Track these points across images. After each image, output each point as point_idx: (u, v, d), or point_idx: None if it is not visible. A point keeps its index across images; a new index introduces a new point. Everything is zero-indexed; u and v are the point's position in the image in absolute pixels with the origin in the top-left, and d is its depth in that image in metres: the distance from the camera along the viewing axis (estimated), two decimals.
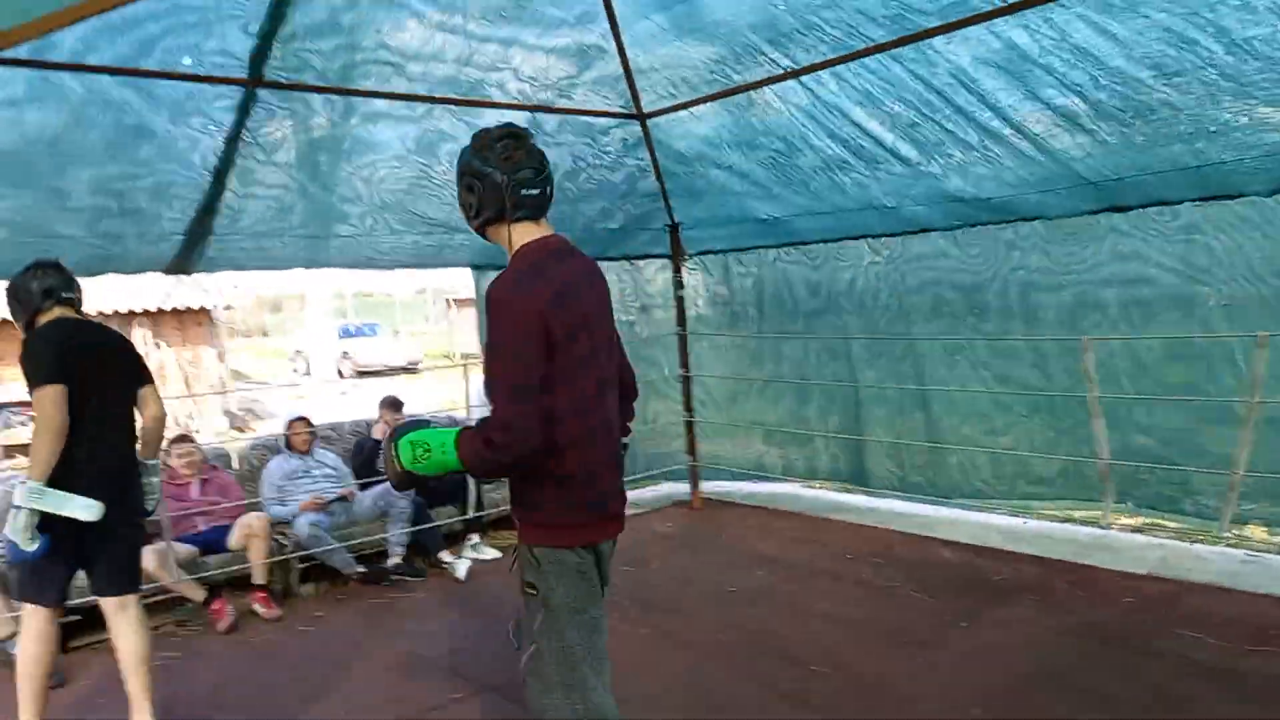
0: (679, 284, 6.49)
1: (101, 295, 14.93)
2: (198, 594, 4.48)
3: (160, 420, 3.35)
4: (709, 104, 4.71)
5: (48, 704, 3.20)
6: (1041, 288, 4.98)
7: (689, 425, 6.61)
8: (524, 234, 2.15)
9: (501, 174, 2.09)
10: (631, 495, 7.49)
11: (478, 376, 6.62)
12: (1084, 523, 5.15)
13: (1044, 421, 5.13)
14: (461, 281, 25.50)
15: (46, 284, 3.15)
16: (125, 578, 3.23)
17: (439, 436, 2.09)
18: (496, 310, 2.03)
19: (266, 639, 4.34)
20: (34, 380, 2.95)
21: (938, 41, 3.75)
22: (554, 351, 2.03)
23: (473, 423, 2.13)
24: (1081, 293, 4.82)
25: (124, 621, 3.21)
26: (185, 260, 4.98)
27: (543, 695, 2.15)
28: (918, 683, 3.47)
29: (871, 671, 3.58)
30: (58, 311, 3.17)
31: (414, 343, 24.41)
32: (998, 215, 4.89)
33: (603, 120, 5.00)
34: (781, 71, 4.28)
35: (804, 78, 4.25)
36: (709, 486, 6.77)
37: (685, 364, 6.57)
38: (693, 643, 3.97)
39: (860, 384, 6.10)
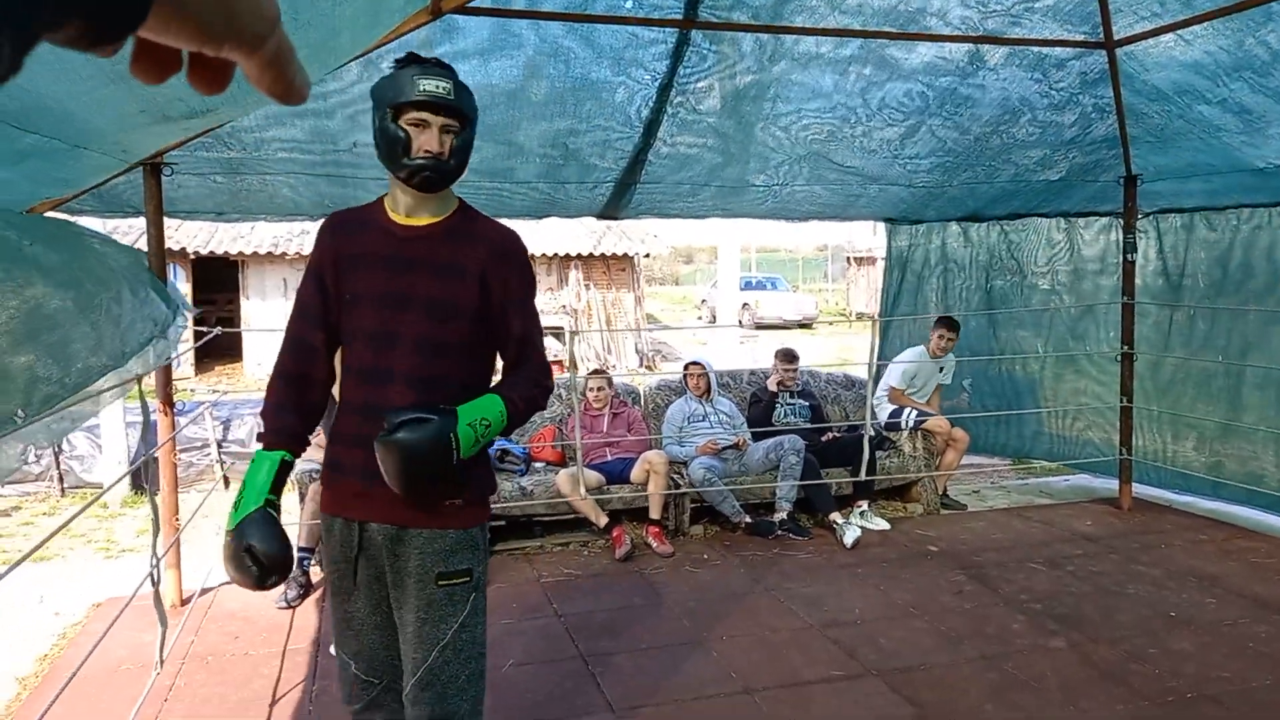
0: (1131, 246, 5.50)
1: (544, 241, 16.87)
2: (601, 519, 4.79)
3: None
4: (1207, 23, 3.80)
5: None
6: None
7: (1125, 411, 5.65)
8: None
9: None
10: (1036, 482, 6.78)
11: (872, 334, 6.26)
12: None
13: None
14: (861, 240, 24.95)
15: None
16: None
17: (485, 406, 1.83)
18: (526, 259, 1.98)
19: (657, 573, 4.51)
20: None
21: None
22: None
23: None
24: None
25: None
26: (614, 206, 5.30)
27: (467, 686, 1.91)
28: None
29: None
30: None
31: (811, 299, 24.37)
32: None
33: (1059, 51, 4.29)
34: None
35: None
36: (1138, 488, 5.78)
37: (1130, 339, 5.59)
38: (1124, 675, 3.34)
39: None
